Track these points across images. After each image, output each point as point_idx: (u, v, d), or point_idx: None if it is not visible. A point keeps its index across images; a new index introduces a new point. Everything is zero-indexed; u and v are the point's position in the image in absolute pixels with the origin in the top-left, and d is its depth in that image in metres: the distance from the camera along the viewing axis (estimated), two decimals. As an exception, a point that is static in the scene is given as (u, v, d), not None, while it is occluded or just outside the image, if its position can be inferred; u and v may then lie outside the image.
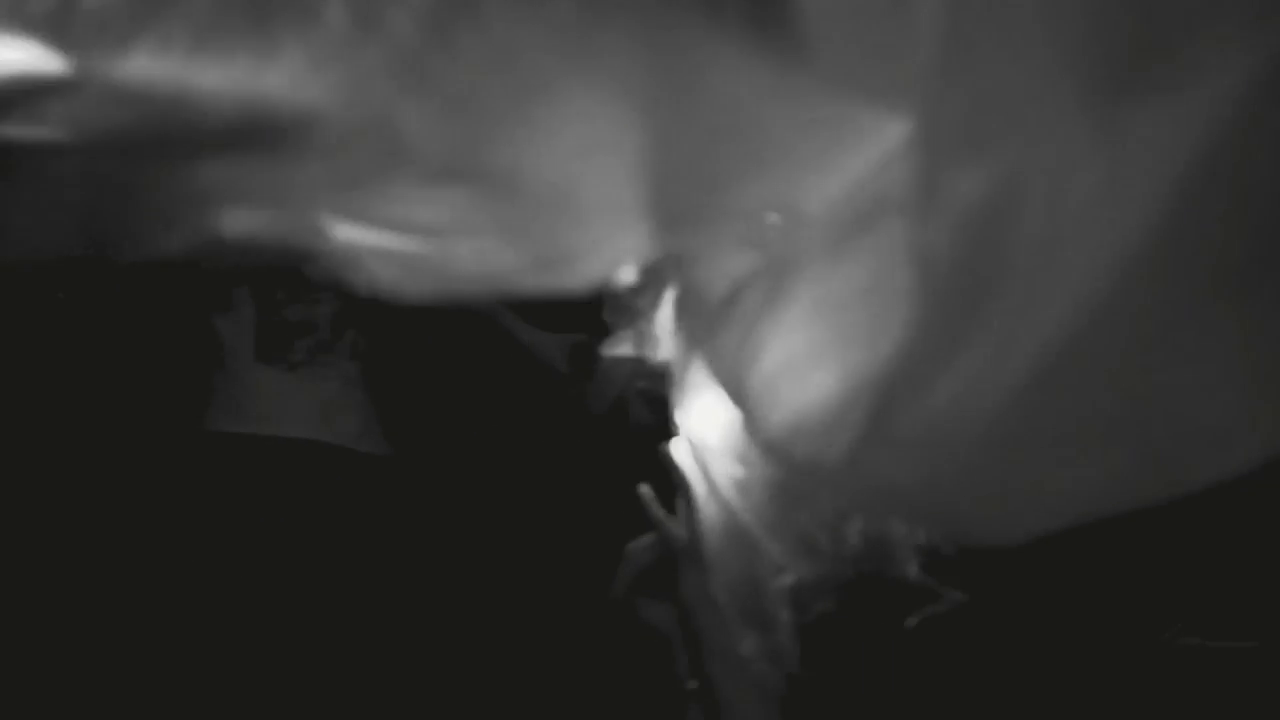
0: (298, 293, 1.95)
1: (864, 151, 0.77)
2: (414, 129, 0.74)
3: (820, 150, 0.78)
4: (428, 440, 2.00)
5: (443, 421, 2.02)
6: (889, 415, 0.77)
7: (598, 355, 1.76)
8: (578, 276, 0.86)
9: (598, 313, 1.51)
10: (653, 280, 1.11)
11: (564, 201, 0.79)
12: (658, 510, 1.19)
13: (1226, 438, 0.71)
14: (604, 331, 1.58)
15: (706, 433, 1.17)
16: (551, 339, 1.97)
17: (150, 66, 0.70)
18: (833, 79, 0.73)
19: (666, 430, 1.19)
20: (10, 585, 1.79)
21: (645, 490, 1.19)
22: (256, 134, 0.74)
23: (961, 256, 0.69)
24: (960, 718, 1.16)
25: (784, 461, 0.97)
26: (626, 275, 1.10)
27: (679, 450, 1.18)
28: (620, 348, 1.57)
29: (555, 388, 1.91)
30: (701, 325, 1.03)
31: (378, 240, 0.86)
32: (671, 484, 1.17)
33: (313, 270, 1.94)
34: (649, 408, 1.45)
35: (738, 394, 0.95)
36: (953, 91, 0.67)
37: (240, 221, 0.83)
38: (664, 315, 1.23)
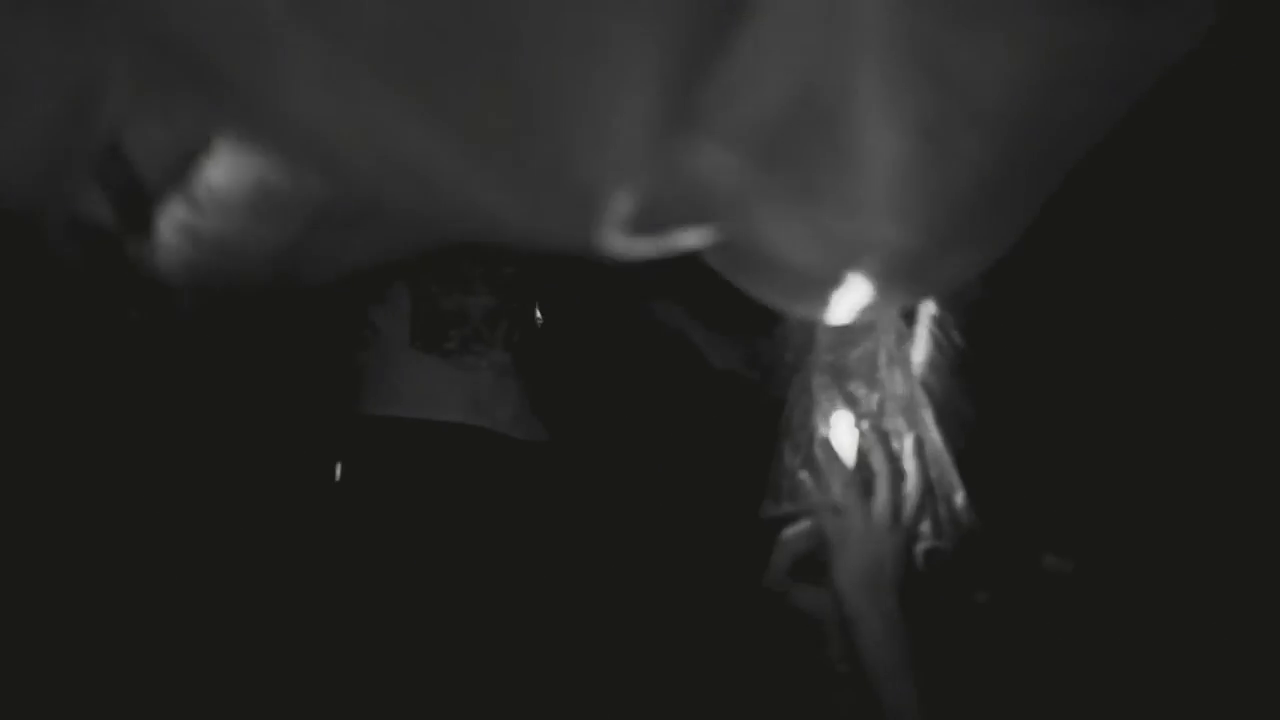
0: (451, 284, 2.02)
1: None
2: None
3: None
4: (581, 427, 2.05)
5: (596, 409, 2.07)
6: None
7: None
8: None
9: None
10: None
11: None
12: (814, 497, 1.22)
13: None
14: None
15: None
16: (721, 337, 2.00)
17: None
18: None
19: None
20: (169, 559, 1.88)
21: (804, 477, 1.22)
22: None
23: None
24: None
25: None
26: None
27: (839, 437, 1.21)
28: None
29: (710, 377, 1.95)
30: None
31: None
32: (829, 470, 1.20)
33: (466, 262, 2.00)
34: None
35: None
36: None
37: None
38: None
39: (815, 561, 1.22)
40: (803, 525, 1.23)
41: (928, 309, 1.21)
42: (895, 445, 1.20)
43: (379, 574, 1.93)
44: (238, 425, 1.95)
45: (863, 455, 1.20)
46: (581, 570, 1.94)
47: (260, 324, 1.87)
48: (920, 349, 1.22)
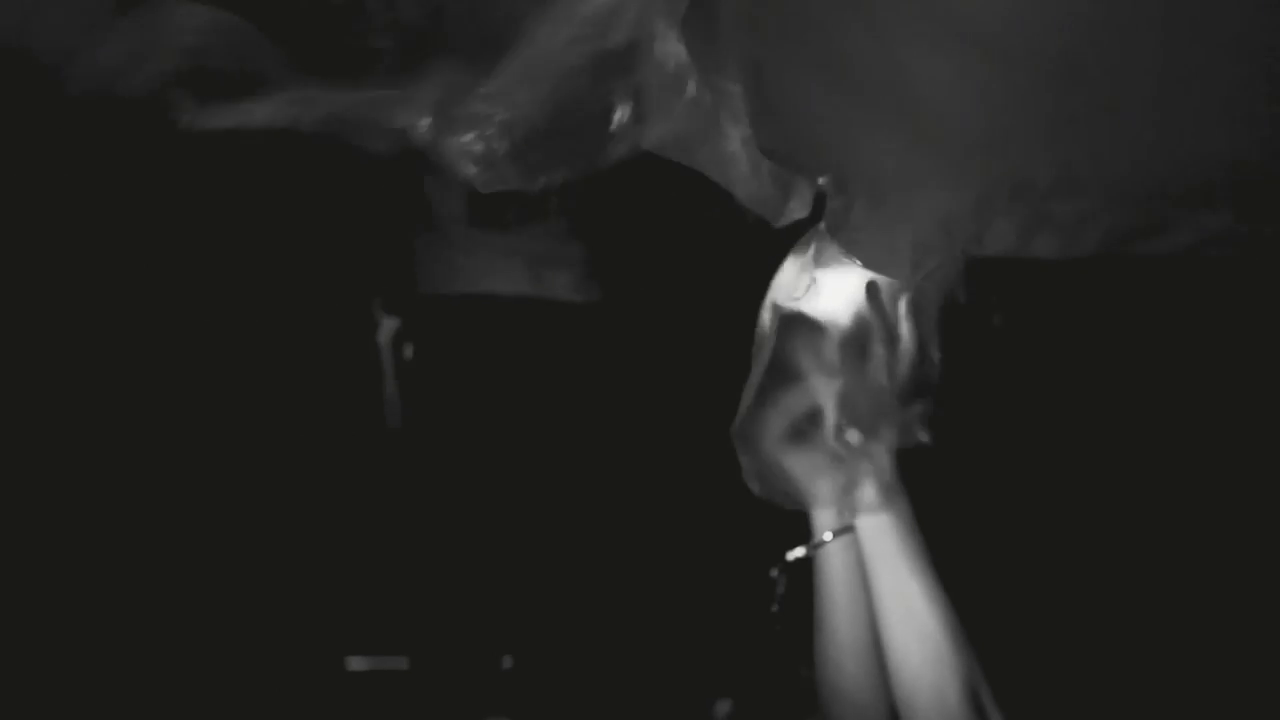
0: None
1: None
2: None
3: None
4: (638, 286, 2.01)
5: (651, 268, 2.02)
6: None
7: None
8: None
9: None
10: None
11: None
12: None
13: None
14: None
15: None
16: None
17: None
18: None
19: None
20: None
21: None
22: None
23: None
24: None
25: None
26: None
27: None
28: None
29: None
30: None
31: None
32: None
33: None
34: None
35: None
36: None
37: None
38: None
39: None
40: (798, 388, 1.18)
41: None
42: (889, 306, 1.13)
43: (445, 451, 1.96)
44: (288, 307, 1.96)
45: (858, 317, 1.14)
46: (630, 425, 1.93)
47: (310, 199, 1.87)
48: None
